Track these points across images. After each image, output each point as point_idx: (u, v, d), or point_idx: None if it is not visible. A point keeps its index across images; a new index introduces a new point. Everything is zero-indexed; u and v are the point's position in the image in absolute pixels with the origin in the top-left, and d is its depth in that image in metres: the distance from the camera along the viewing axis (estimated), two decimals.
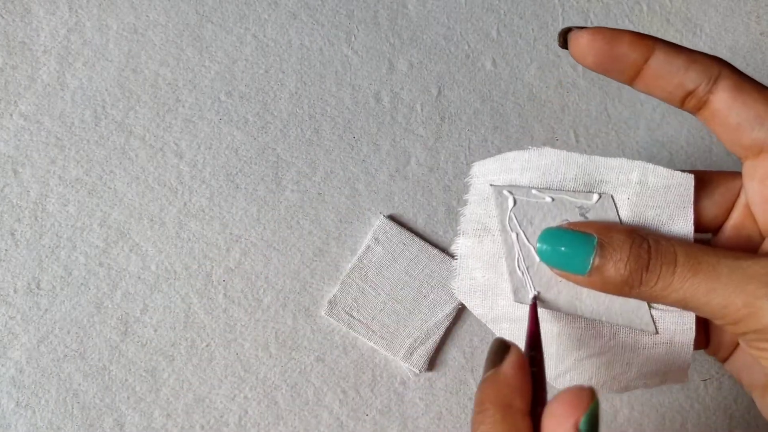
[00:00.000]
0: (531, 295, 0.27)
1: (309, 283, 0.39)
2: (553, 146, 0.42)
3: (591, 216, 0.26)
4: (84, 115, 0.39)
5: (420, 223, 0.40)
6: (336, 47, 0.42)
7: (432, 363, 0.39)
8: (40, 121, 0.39)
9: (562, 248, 0.26)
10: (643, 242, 0.25)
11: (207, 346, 0.37)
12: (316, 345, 0.38)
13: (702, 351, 0.30)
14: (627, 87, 0.43)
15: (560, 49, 0.44)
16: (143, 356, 0.37)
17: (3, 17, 0.40)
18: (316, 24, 0.42)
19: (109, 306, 0.37)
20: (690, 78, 0.25)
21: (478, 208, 0.28)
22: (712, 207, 0.27)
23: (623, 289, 0.25)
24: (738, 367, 0.27)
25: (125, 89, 0.40)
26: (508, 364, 0.23)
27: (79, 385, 0.36)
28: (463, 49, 0.43)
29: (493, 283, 0.28)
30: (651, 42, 0.26)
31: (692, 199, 0.26)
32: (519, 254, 0.27)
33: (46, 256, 0.37)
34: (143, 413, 0.36)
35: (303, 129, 0.41)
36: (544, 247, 0.26)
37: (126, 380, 0.37)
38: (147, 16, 0.41)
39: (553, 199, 0.27)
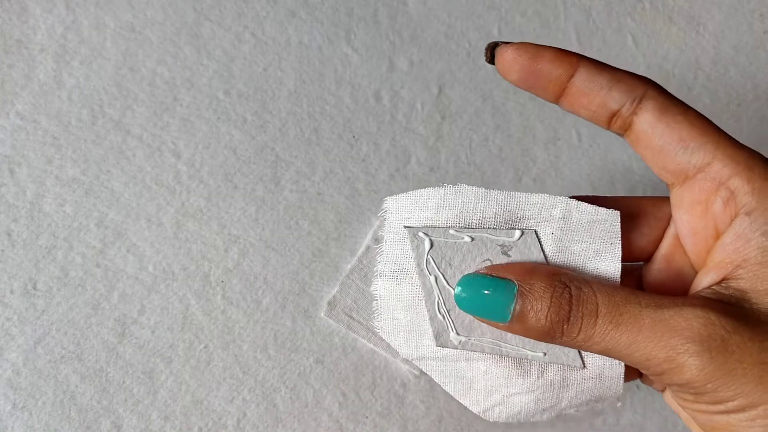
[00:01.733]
0: (453, 338, 0.26)
1: (308, 284, 0.38)
2: (555, 145, 0.42)
3: (513, 254, 0.26)
4: (81, 114, 0.39)
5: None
6: (335, 45, 0.42)
7: None
8: (37, 120, 0.39)
9: (481, 296, 0.25)
10: (564, 290, 0.24)
11: (205, 347, 0.37)
12: (315, 347, 0.38)
13: None
14: None
15: (562, 46, 0.43)
16: (140, 358, 0.37)
17: (0, 15, 0.40)
18: (316, 22, 0.42)
19: (106, 307, 0.37)
20: (613, 97, 0.24)
21: (394, 248, 0.26)
22: (639, 239, 0.27)
23: (545, 338, 0.24)
24: (675, 403, 0.27)
25: (122, 88, 0.40)
26: None
27: (76, 387, 0.36)
28: (464, 47, 0.43)
29: (416, 324, 0.27)
30: (575, 58, 0.25)
31: (619, 236, 0.25)
32: (438, 298, 0.26)
33: (43, 257, 0.37)
34: (141, 415, 0.36)
35: (302, 128, 0.40)
36: (463, 294, 0.25)
37: (123, 382, 0.36)
38: (144, 14, 0.41)
39: (472, 239, 0.26)
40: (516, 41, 0.25)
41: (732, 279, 0.23)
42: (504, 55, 0.25)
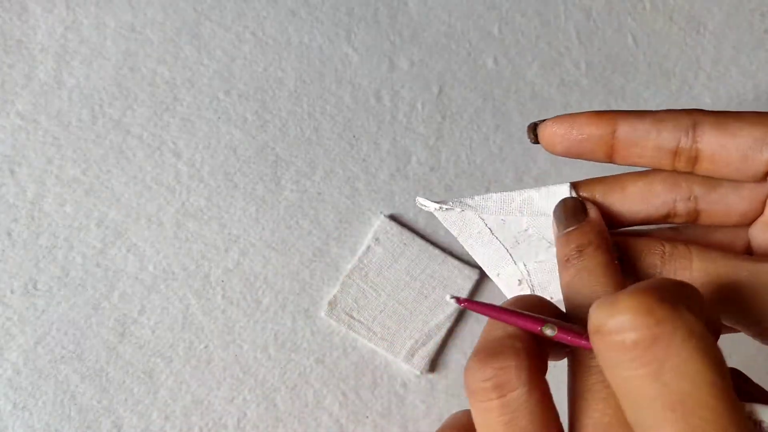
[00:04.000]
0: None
1: (308, 283, 0.38)
2: None
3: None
4: (81, 114, 0.39)
5: (421, 223, 0.40)
6: (336, 45, 0.42)
7: (433, 364, 0.38)
8: (37, 120, 0.39)
9: None
10: (657, 246, 0.24)
11: (205, 347, 0.37)
12: (315, 346, 0.38)
13: None
14: (631, 85, 0.43)
15: (563, 46, 0.43)
16: (141, 358, 0.37)
17: (0, 16, 0.40)
18: (316, 21, 0.42)
19: (107, 307, 0.37)
20: (665, 138, 0.25)
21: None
22: (739, 203, 0.27)
23: None
24: None
25: (123, 88, 0.40)
26: (596, 214, 0.25)
27: (77, 386, 0.36)
28: (465, 47, 0.43)
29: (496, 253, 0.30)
30: (611, 114, 0.25)
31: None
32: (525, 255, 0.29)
33: (43, 257, 0.37)
34: (141, 415, 0.36)
35: (302, 128, 0.40)
36: None
37: (124, 382, 0.36)
38: (145, 14, 0.41)
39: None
40: (552, 116, 0.26)
41: None
42: (545, 131, 0.26)
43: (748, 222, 0.27)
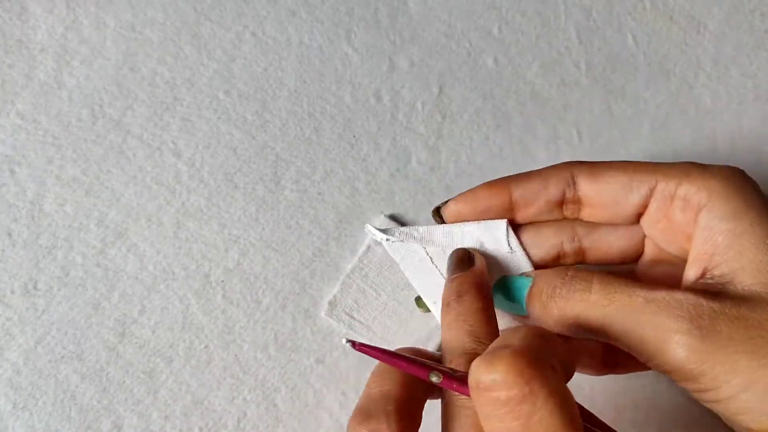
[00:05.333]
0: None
1: (309, 283, 0.38)
2: (555, 145, 0.42)
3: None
4: (81, 113, 0.39)
5: (421, 223, 0.40)
6: (336, 45, 0.42)
7: None
8: (37, 120, 0.39)
9: (508, 287, 0.28)
10: (565, 270, 0.26)
11: (205, 347, 0.37)
12: (315, 346, 0.38)
13: None
14: (631, 85, 0.43)
15: (563, 46, 0.43)
16: (141, 358, 0.37)
17: (0, 16, 0.40)
18: (316, 21, 0.42)
19: (107, 307, 0.37)
20: (551, 192, 0.27)
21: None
22: (618, 240, 0.29)
23: (550, 314, 0.26)
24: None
25: (123, 88, 0.40)
26: (480, 263, 0.27)
27: (77, 386, 0.36)
28: (465, 46, 0.43)
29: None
30: (504, 182, 0.28)
31: (505, 233, 0.29)
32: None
33: (43, 257, 0.37)
34: (141, 415, 0.36)
35: (302, 128, 0.40)
36: (497, 297, 0.28)
37: (124, 382, 0.36)
38: (145, 13, 0.41)
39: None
40: (453, 197, 0.29)
41: (711, 268, 0.25)
42: (447, 211, 0.29)
43: (630, 260, 0.29)
